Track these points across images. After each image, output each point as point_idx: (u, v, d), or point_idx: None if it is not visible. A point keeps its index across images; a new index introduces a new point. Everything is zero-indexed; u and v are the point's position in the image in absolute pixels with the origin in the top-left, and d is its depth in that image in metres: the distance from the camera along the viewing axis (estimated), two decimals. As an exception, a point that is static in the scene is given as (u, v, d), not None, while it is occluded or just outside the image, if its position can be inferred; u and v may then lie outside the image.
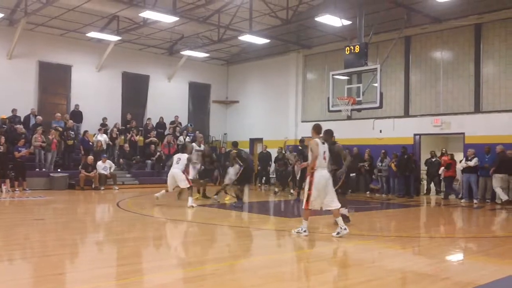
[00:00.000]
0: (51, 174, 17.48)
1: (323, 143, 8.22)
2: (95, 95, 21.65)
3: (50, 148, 17.91)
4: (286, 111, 23.01)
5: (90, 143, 19.21)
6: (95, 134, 19.88)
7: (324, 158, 8.19)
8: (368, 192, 18.48)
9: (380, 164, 18.16)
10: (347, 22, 16.92)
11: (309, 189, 8.05)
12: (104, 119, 20.87)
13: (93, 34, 19.82)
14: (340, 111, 16.46)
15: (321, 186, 8.04)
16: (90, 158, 17.91)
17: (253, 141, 23.99)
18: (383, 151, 18.12)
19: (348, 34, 17.62)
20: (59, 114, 19.92)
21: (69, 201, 14.71)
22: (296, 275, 6.05)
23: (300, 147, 15.40)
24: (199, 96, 25.59)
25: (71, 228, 9.34)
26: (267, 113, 23.95)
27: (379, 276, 5.84)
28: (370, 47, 16.31)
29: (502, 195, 14.70)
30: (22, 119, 18.93)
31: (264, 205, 15.16)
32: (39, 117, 19.04)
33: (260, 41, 20.11)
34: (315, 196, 8.05)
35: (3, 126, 17.86)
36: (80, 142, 19.26)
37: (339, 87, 16.58)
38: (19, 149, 16.54)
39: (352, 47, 15.92)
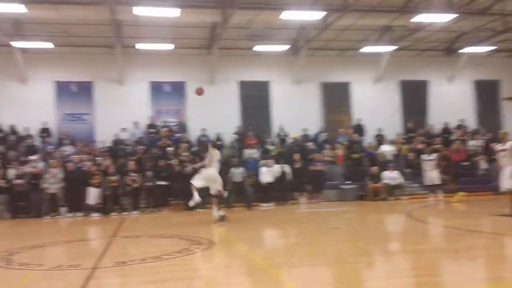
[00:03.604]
0: (341, 186, 18.37)
1: None
2: (373, 107, 21.98)
3: (337, 162, 18.93)
4: None
5: (374, 155, 19.46)
6: (378, 145, 20.12)
7: None
8: None
9: None
10: None
11: None
12: (379, 129, 20.98)
13: (367, 49, 20.27)
14: None
15: None
16: (374, 169, 18.14)
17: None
18: None
19: None
20: (343, 129, 20.93)
21: (360, 211, 15.16)
22: None
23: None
24: (485, 95, 23.29)
25: (364, 238, 9.51)
26: None
27: None
28: None
29: None
30: (313, 137, 20.57)
31: None
32: (325, 134, 20.41)
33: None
34: None
35: (295, 144, 19.72)
36: (365, 154, 19.73)
37: None
38: (315, 163, 17.94)
39: None
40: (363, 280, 6.02)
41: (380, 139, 20.65)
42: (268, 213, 15.44)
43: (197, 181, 11.66)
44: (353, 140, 20.10)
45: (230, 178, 16.60)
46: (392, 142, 20.42)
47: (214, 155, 11.91)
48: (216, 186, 11.79)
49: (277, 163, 17.74)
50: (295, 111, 21.23)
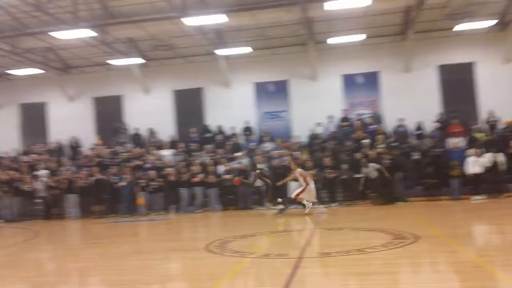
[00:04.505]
0: None
1: None
2: None
3: None
4: None
5: None
6: None
7: None
8: None
9: None
10: None
11: None
12: None
13: None
14: None
15: None
16: None
17: None
18: None
19: None
20: None
21: None
22: None
23: None
24: None
25: None
26: None
27: None
28: None
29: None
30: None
31: None
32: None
33: None
34: None
35: (508, 130, 17.52)
36: None
37: None
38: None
39: None
40: None
41: None
42: (479, 207, 14.09)
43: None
44: None
45: (364, 177, 15.93)
46: None
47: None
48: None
49: (487, 152, 16.02)
50: (507, 93, 18.82)
